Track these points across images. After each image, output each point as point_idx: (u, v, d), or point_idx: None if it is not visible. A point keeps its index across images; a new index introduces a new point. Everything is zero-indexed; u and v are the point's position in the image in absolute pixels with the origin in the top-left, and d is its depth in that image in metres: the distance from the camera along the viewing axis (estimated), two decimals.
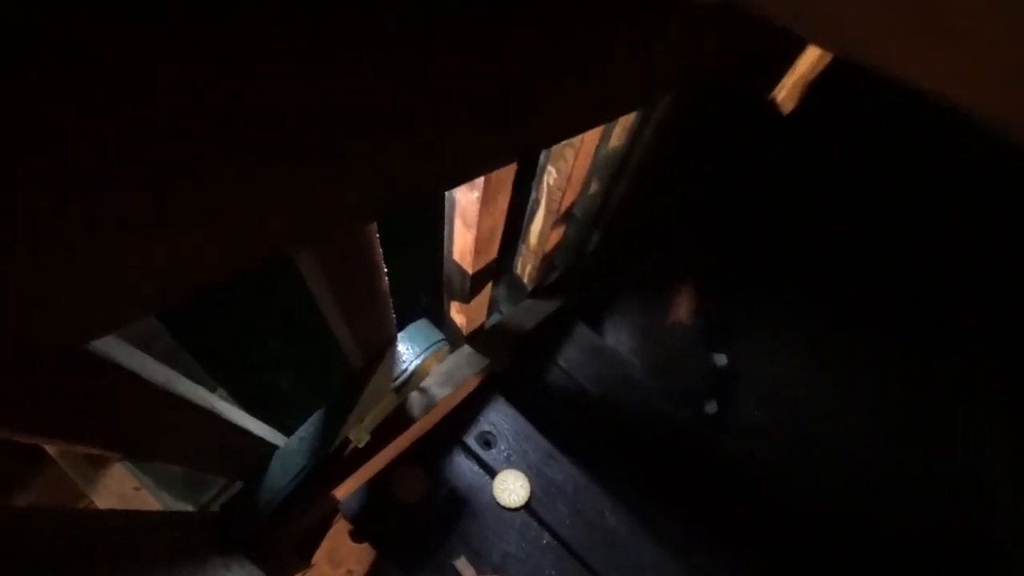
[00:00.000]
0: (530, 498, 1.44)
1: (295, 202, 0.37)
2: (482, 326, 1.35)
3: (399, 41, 0.33)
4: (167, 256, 0.32)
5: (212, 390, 1.21)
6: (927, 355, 1.98)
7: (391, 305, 0.94)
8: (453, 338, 1.30)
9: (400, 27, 0.32)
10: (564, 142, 1.00)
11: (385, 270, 0.81)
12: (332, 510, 1.35)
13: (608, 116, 0.97)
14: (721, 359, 1.87)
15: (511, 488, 1.44)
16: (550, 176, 1.09)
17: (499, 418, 1.52)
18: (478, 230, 0.85)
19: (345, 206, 0.43)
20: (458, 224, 0.88)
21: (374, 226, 0.71)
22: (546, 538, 1.43)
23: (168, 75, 0.25)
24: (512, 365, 1.54)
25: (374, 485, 1.36)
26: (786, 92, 2.03)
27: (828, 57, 1.78)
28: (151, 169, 0.28)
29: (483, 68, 0.40)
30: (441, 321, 1.25)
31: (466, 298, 1.09)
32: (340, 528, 1.38)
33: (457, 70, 0.39)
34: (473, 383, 1.36)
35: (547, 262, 1.43)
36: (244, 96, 0.28)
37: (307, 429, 1.05)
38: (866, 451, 1.80)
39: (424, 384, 1.24)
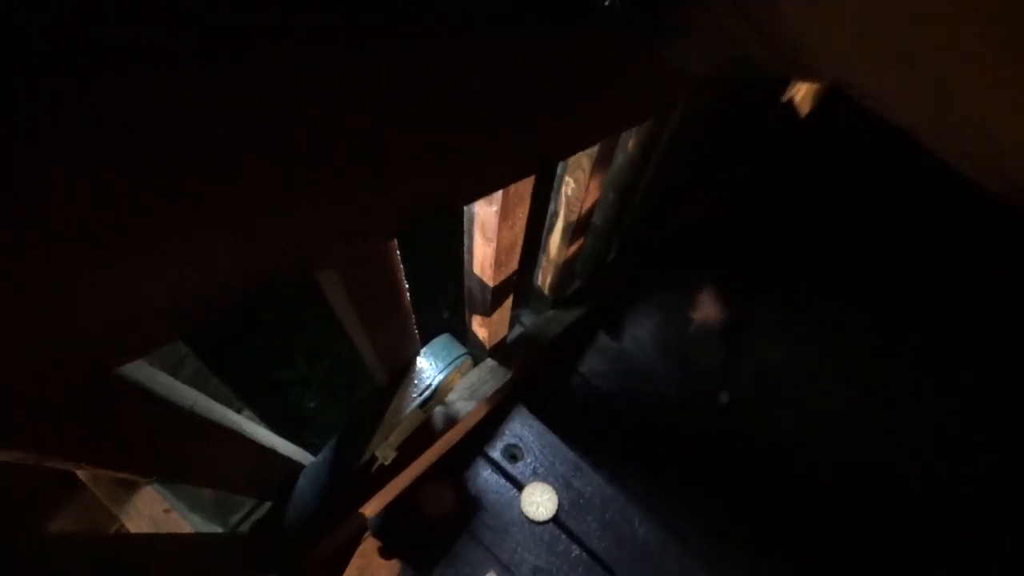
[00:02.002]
0: (558, 511, 1.43)
1: (321, 219, 0.37)
2: (504, 339, 1.35)
3: (422, 61, 0.33)
4: (199, 273, 0.32)
5: (239, 411, 1.22)
6: (951, 352, 1.95)
7: (413, 320, 0.94)
8: (476, 352, 1.30)
9: (424, 49, 0.33)
10: (581, 152, 1.00)
11: (406, 285, 0.81)
12: (361, 528, 1.35)
13: (623, 126, 0.96)
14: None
15: (539, 501, 1.43)
16: (568, 187, 1.09)
17: (524, 431, 1.52)
18: (498, 243, 0.85)
19: (369, 221, 0.43)
20: (477, 237, 0.88)
21: (394, 242, 0.71)
22: (576, 551, 1.41)
23: (205, 101, 0.26)
24: (536, 377, 1.54)
25: (402, 502, 1.36)
26: (803, 93, 2.01)
27: None
28: (188, 191, 0.28)
29: (501, 84, 0.40)
30: (464, 336, 1.25)
31: (488, 311, 1.08)
32: (369, 545, 1.38)
33: (477, 87, 0.39)
34: (497, 396, 1.36)
35: (567, 273, 1.43)
36: (276, 118, 0.29)
37: (333, 448, 1.05)
38: (896, 452, 1.77)
39: (448, 399, 1.24)
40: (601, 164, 1.04)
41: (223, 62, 0.25)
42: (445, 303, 2.12)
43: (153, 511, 1.19)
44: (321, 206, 0.37)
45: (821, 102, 2.10)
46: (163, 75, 0.24)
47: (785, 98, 2.00)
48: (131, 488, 1.21)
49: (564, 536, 1.43)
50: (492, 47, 0.38)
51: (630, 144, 1.17)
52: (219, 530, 1.24)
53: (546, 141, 0.57)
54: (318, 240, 0.40)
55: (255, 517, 1.20)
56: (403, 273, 0.78)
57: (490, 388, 1.30)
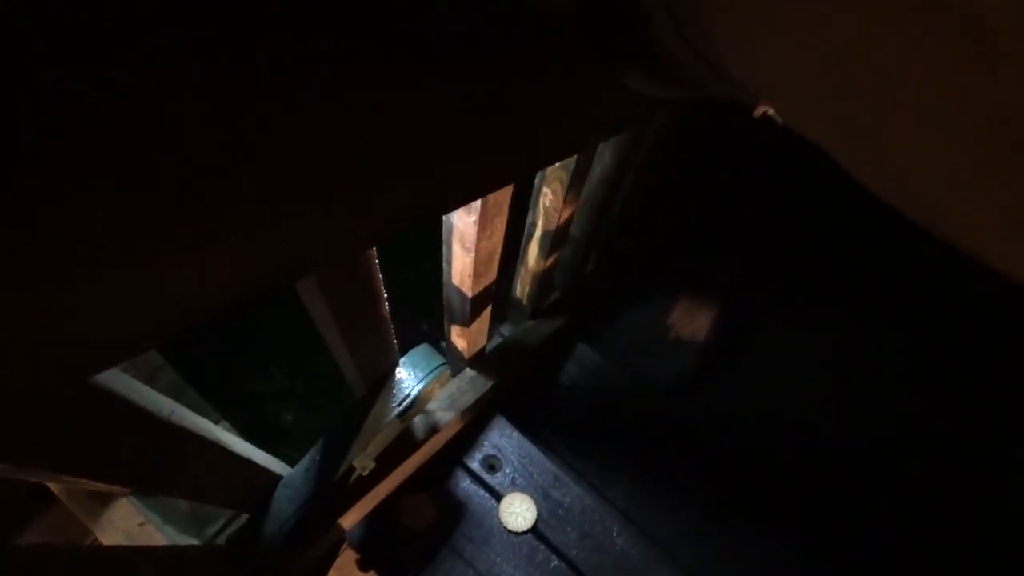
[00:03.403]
0: (537, 521, 1.43)
1: (321, 221, 0.38)
2: (483, 349, 1.35)
3: (425, 62, 0.34)
4: (198, 274, 0.33)
5: (216, 422, 1.21)
6: (952, 358, 1.97)
7: (392, 330, 0.94)
8: (455, 362, 1.31)
9: (428, 52, 0.33)
10: (559, 162, 1.01)
11: (385, 294, 0.82)
12: (339, 539, 1.34)
13: (602, 136, 0.98)
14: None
15: (517, 512, 1.43)
16: (545, 197, 1.10)
17: (503, 441, 1.52)
18: (476, 253, 0.86)
19: (368, 221, 0.43)
20: (456, 248, 0.89)
21: (373, 252, 0.71)
22: (554, 561, 1.41)
23: (204, 101, 0.26)
24: (515, 387, 1.54)
25: (380, 513, 1.35)
26: None
27: None
28: (189, 192, 0.29)
29: (478, 98, 0.41)
30: (443, 346, 1.25)
31: (466, 322, 1.09)
32: (347, 558, 1.37)
33: (480, 91, 0.40)
34: (476, 407, 1.36)
35: (546, 283, 1.44)
36: (276, 118, 0.30)
37: (311, 458, 1.04)
38: (889, 462, 1.78)
39: (427, 409, 1.24)
40: (579, 176, 1.05)
41: (222, 62, 0.26)
42: (423, 314, 2.12)
43: (128, 524, 1.17)
44: (321, 207, 0.37)
45: None
46: (163, 76, 0.25)
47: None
48: (105, 501, 1.19)
49: (543, 547, 1.43)
50: (492, 53, 0.39)
51: (607, 156, 1.19)
52: (195, 542, 1.22)
53: (540, 145, 0.58)
54: (318, 242, 0.40)
55: (232, 529, 1.19)
56: (382, 282, 0.79)
57: (469, 398, 1.30)
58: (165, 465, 0.70)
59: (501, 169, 0.58)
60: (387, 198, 0.42)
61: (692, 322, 1.95)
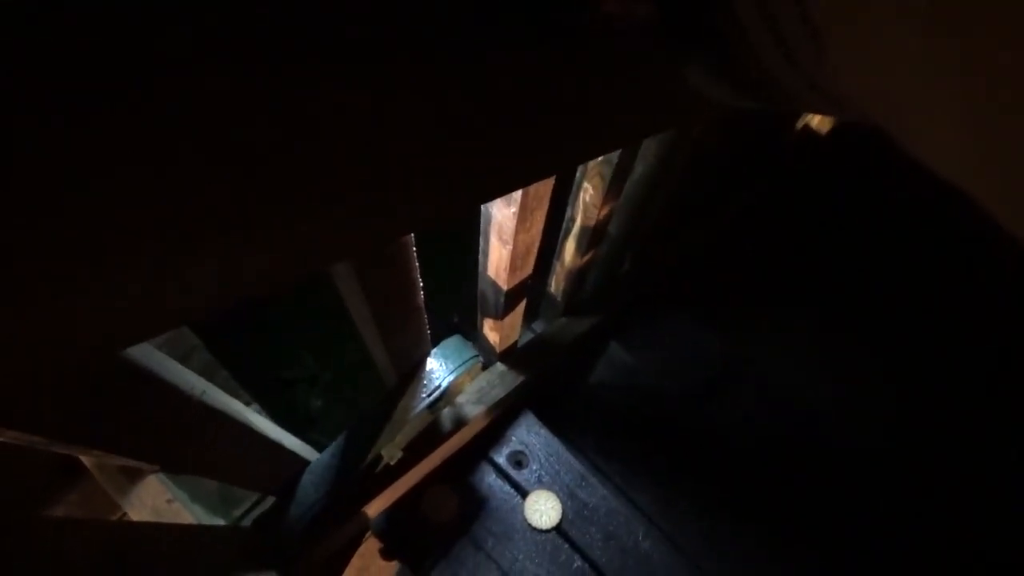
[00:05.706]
0: (562, 520, 1.42)
1: (340, 220, 0.37)
2: (515, 344, 1.34)
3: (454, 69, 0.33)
4: (220, 268, 0.32)
5: (246, 404, 1.22)
6: (950, 372, 1.93)
7: (426, 320, 0.93)
8: (486, 355, 1.30)
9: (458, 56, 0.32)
10: (600, 159, 0.99)
11: (421, 284, 0.80)
12: (363, 527, 1.34)
13: (649, 132, 0.95)
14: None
15: (542, 510, 1.42)
16: (586, 192, 1.08)
17: (531, 438, 1.50)
18: (514, 246, 0.84)
19: (391, 221, 0.42)
20: (493, 240, 0.87)
21: (411, 239, 0.70)
22: (577, 562, 1.40)
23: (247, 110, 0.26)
24: (545, 384, 1.53)
25: (405, 503, 1.35)
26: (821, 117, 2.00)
27: None
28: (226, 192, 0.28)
29: (527, 87, 0.40)
30: (474, 338, 1.24)
31: (500, 315, 1.08)
32: (370, 546, 1.37)
33: (506, 90, 0.38)
34: (506, 402, 1.35)
35: (581, 281, 1.42)
36: (308, 120, 0.29)
37: (339, 445, 1.04)
38: (918, 474, 1.74)
39: (457, 402, 1.23)
40: (620, 172, 1.03)
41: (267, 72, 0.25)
42: (455, 305, 2.12)
43: (156, 501, 1.19)
44: (345, 215, 0.36)
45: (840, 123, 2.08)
46: (213, 81, 0.24)
47: (803, 123, 1.98)
48: (134, 477, 1.21)
49: (567, 546, 1.41)
50: (542, 48, 0.37)
51: (650, 155, 1.17)
52: (221, 523, 1.23)
53: (569, 144, 0.56)
54: (338, 246, 0.40)
55: (258, 512, 1.20)
56: (418, 272, 0.78)
57: (499, 393, 1.29)
58: (194, 444, 0.70)
59: (544, 160, 0.56)
60: (409, 201, 0.41)
61: (730, 328, 1.92)
